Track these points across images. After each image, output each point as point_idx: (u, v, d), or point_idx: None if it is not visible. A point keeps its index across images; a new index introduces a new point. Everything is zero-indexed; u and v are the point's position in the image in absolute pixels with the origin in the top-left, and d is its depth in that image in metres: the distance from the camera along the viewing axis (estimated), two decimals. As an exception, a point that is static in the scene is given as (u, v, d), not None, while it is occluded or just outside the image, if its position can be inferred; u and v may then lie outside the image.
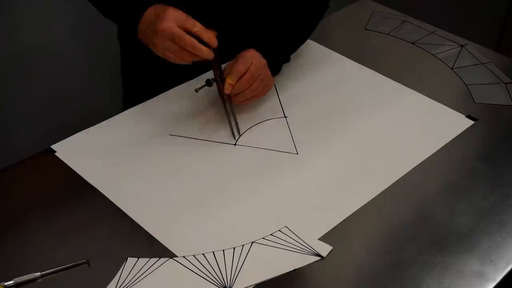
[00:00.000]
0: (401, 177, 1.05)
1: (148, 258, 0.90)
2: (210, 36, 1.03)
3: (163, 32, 1.01)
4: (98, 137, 1.12)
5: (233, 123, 1.13)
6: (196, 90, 1.12)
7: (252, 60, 1.11)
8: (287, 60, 1.24)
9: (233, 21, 1.18)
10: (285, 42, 1.22)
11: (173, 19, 1.01)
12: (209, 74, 1.18)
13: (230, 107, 1.14)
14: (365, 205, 0.99)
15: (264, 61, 1.13)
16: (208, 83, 1.11)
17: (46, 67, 1.79)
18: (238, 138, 1.13)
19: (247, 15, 1.23)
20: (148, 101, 1.21)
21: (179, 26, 1.01)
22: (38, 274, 0.87)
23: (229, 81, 1.09)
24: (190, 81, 1.25)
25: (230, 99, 1.13)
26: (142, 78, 1.33)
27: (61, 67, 1.80)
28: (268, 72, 1.14)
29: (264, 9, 1.24)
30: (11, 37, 1.69)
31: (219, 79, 1.10)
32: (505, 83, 1.28)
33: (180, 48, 1.02)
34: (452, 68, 1.33)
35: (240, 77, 1.09)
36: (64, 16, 1.74)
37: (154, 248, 0.92)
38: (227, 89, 1.09)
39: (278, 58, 1.20)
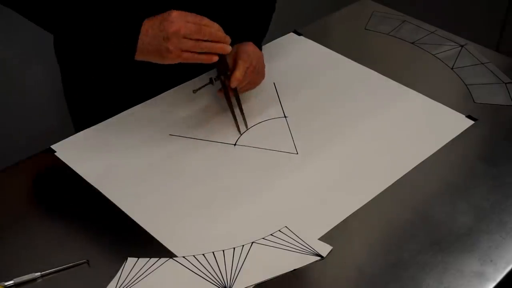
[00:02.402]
0: (401, 177, 1.05)
1: (148, 258, 0.90)
2: (218, 27, 1.03)
3: (178, 33, 0.99)
4: (98, 137, 1.12)
5: (239, 117, 1.15)
6: (194, 91, 1.12)
7: (253, 54, 1.14)
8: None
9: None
10: (259, 30, 1.25)
11: (183, 19, 1.00)
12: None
13: (236, 101, 1.15)
14: (365, 205, 0.99)
15: (261, 53, 1.17)
16: (211, 81, 1.12)
17: (46, 67, 1.79)
18: (241, 135, 1.13)
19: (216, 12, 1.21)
20: (148, 101, 1.20)
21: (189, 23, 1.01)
22: (38, 274, 0.87)
23: (237, 76, 1.10)
24: (189, 81, 1.25)
25: (235, 93, 1.14)
26: (87, 102, 1.28)
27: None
28: (263, 63, 1.18)
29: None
30: (12, 36, 1.69)
31: (225, 75, 1.11)
32: (505, 83, 1.28)
33: (197, 42, 1.01)
34: (452, 68, 1.33)
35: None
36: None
37: (154, 248, 0.92)
38: (234, 83, 1.10)
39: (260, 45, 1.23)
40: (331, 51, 1.37)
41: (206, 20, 1.02)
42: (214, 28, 1.02)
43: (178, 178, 1.04)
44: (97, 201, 1.00)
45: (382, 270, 0.89)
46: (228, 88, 1.13)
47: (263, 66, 1.19)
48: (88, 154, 1.08)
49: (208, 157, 1.09)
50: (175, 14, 1.00)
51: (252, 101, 1.19)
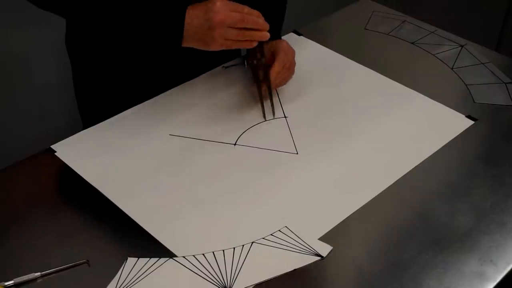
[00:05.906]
0: (401, 177, 1.05)
1: (148, 258, 0.90)
2: (258, 13, 1.06)
3: (223, 23, 1.02)
4: (98, 137, 1.12)
5: (267, 104, 1.18)
6: (224, 67, 1.17)
7: (288, 51, 1.20)
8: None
9: None
10: (279, 23, 1.31)
11: (227, 8, 1.03)
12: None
13: (267, 89, 1.18)
14: (365, 205, 0.99)
15: (293, 50, 1.22)
16: (244, 62, 1.17)
17: (46, 67, 1.79)
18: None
19: None
20: (148, 101, 1.20)
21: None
22: (38, 274, 0.87)
23: (276, 69, 1.16)
24: (190, 81, 1.25)
25: (267, 82, 1.17)
26: (98, 99, 1.30)
27: (61, 66, 1.80)
28: (294, 60, 1.22)
29: None
30: (12, 37, 1.69)
31: (261, 61, 1.15)
32: (505, 83, 1.28)
33: (240, 30, 1.04)
34: (452, 68, 1.33)
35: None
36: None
37: (154, 248, 0.92)
38: (273, 76, 1.15)
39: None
40: (331, 51, 1.37)
41: (247, 9, 1.05)
42: (255, 15, 1.05)
43: (178, 178, 1.04)
44: (97, 201, 1.00)
45: (382, 270, 0.89)
46: (258, 73, 1.17)
47: (294, 64, 1.22)
48: (88, 154, 1.08)
49: (208, 157, 1.09)
50: (219, 4, 1.03)
51: (252, 102, 1.19)
